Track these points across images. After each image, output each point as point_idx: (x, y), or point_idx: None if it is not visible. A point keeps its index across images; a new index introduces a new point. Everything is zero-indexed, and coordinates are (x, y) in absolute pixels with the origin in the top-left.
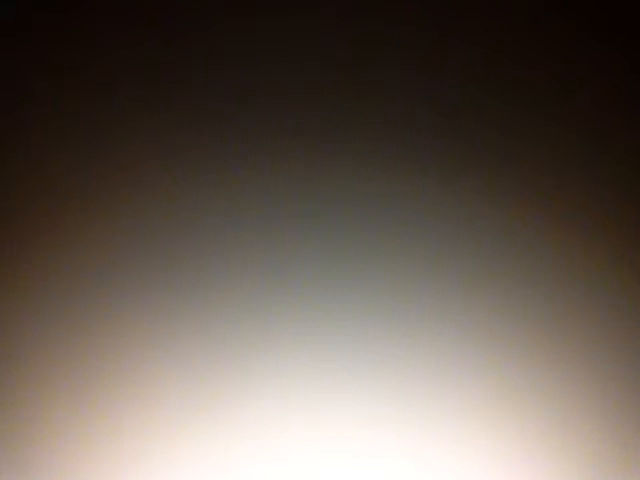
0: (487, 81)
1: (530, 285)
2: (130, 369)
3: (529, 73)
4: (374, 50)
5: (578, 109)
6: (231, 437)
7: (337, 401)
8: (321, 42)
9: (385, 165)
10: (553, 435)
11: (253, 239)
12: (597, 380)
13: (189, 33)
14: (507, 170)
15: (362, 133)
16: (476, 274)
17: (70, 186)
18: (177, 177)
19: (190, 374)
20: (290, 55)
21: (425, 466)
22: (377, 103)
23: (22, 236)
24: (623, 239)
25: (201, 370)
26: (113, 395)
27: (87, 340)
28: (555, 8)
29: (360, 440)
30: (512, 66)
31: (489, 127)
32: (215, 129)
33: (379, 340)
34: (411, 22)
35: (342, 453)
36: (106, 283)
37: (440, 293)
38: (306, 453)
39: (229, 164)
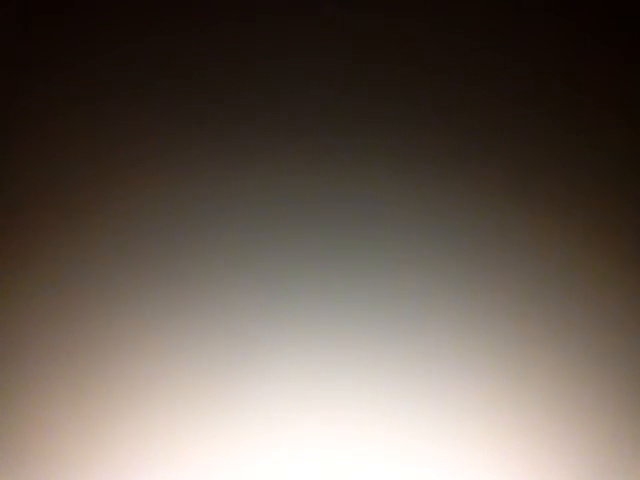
0: (488, 80)
1: (530, 284)
2: (130, 369)
3: (530, 72)
4: (374, 48)
5: (579, 108)
6: (232, 436)
7: (338, 400)
8: (321, 40)
9: (386, 164)
10: (554, 434)
11: (253, 238)
12: (597, 378)
13: (189, 33)
14: (508, 169)
15: (363, 132)
16: (477, 273)
17: (70, 185)
18: (177, 176)
19: (191, 373)
20: (290, 54)
21: (426, 465)
22: (378, 102)
23: (22, 236)
24: (625, 238)
25: (202, 369)
26: (113, 394)
27: (87, 338)
28: (555, 8)
29: (361, 439)
30: (513, 65)
31: (490, 126)
32: (214, 128)
33: (380, 339)
34: (412, 20)
35: (343, 452)
36: (106, 282)
37: (441, 292)
38: (306, 452)
39: (229, 163)
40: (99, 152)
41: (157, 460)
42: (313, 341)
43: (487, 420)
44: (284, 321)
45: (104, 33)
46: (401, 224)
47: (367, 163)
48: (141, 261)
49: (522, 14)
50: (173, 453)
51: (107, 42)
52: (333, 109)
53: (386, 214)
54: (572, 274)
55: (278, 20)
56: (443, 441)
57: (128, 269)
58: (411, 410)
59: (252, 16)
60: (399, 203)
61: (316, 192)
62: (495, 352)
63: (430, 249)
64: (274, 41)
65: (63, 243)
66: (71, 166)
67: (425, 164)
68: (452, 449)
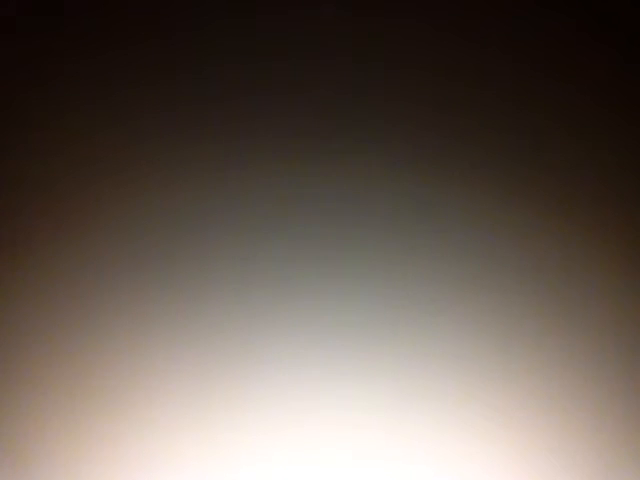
0: (488, 80)
1: (530, 284)
2: (131, 370)
3: (531, 72)
4: (375, 48)
5: (579, 108)
6: (232, 437)
7: (339, 401)
8: (322, 40)
9: (386, 164)
10: (555, 434)
11: (254, 238)
12: (598, 378)
13: (189, 32)
14: (509, 170)
15: (364, 132)
16: (477, 274)
17: (70, 185)
18: (177, 176)
19: (191, 374)
20: (291, 53)
21: (426, 465)
22: (378, 102)
23: (21, 236)
24: (625, 238)
25: (202, 371)
26: (114, 395)
27: (87, 339)
28: (555, 8)
29: (362, 440)
30: (513, 65)
31: (490, 126)
32: (215, 128)
33: (380, 340)
34: (412, 20)
35: (343, 453)
36: (106, 282)
37: (441, 292)
38: (307, 454)
39: (230, 163)
40: (98, 153)
41: (157, 461)
42: (314, 341)
43: (487, 420)
44: (284, 321)
45: (103, 34)
46: (401, 224)
47: (367, 163)
48: (141, 262)
49: (522, 14)
50: (174, 454)
51: (106, 43)
52: (333, 109)
53: (386, 215)
54: (572, 274)
55: (278, 20)
56: (443, 441)
57: (128, 270)
58: (412, 411)
59: (252, 16)
60: (399, 203)
61: (316, 192)
62: (495, 353)
63: (430, 249)
64: (274, 41)
65: (64, 243)
66: (70, 167)
67: (425, 164)
68: (452, 449)
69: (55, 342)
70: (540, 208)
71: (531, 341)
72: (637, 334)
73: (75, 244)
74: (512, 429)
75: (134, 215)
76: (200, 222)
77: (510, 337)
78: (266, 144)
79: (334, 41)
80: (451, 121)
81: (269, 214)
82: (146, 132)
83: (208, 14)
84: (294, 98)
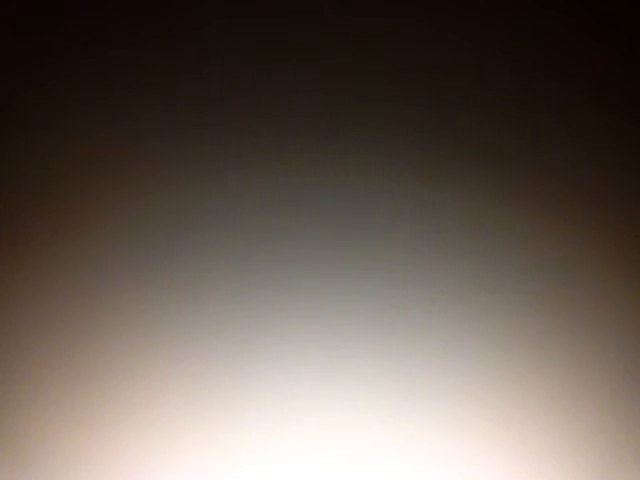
0: (488, 80)
1: (530, 284)
2: (131, 370)
3: (531, 72)
4: (375, 48)
5: (579, 108)
6: (232, 437)
7: (339, 401)
8: (322, 40)
9: (386, 165)
10: (555, 434)
11: (254, 238)
12: (598, 379)
13: (189, 32)
14: (509, 170)
15: (364, 132)
16: (477, 274)
17: (70, 185)
18: (177, 176)
19: (191, 374)
20: (291, 54)
21: (426, 466)
22: (378, 102)
23: (21, 236)
24: (625, 238)
25: (202, 370)
26: (114, 395)
27: (87, 339)
28: (555, 7)
29: (362, 440)
30: (513, 65)
31: (489, 126)
32: (215, 128)
33: (380, 340)
34: (413, 20)
35: (343, 453)
36: (106, 282)
37: (441, 292)
38: (307, 453)
39: (230, 163)
40: (98, 153)
41: (157, 461)
42: (314, 341)
43: (487, 420)
44: (284, 321)
45: (103, 34)
46: (401, 224)
47: (367, 163)
48: (141, 262)
49: (522, 14)
50: (174, 454)
51: (106, 43)
52: (333, 109)
53: (386, 215)
54: (572, 274)
55: (278, 20)
56: (443, 441)
57: (128, 270)
58: (412, 410)
59: (252, 16)
60: (399, 203)
61: (316, 192)
62: (495, 353)
63: (430, 249)
64: (274, 41)
65: (64, 243)
66: (70, 167)
67: (425, 164)
68: (452, 449)
69: (55, 342)
70: (540, 208)
71: (531, 341)
72: (638, 334)
73: (75, 244)
74: (512, 429)
75: (134, 215)
76: (200, 222)
77: (510, 337)
78: (266, 144)
79: (334, 41)
80: (451, 121)
81: (269, 214)
82: (146, 132)
83: (208, 14)
84: (294, 98)
